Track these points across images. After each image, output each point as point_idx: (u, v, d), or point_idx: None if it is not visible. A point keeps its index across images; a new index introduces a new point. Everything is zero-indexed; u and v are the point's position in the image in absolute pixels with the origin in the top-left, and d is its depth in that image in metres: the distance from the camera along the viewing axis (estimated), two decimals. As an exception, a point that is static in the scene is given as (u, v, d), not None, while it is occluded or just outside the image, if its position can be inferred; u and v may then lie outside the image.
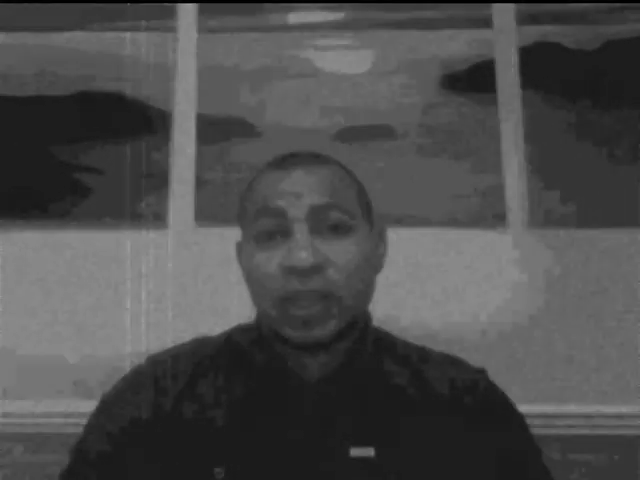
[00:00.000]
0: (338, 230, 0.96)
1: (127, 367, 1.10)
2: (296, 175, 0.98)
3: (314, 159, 1.02)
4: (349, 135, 1.88)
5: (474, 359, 1.11)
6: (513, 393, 1.09)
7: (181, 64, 1.95)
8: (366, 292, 1.01)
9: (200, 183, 1.86)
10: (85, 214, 1.84)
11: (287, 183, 0.97)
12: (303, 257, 0.92)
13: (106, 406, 1.04)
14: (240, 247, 1.05)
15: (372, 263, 1.02)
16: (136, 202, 1.84)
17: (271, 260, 0.95)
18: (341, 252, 0.95)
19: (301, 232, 0.94)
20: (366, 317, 1.07)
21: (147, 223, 1.83)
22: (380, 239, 1.07)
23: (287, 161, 1.01)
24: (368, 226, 1.02)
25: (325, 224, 0.95)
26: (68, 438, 1.04)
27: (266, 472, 0.93)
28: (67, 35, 1.94)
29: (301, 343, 0.95)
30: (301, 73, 1.93)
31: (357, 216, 0.99)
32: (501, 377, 1.10)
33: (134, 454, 0.97)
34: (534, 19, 1.95)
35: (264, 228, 0.97)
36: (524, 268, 1.81)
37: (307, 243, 0.93)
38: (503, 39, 1.95)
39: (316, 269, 0.92)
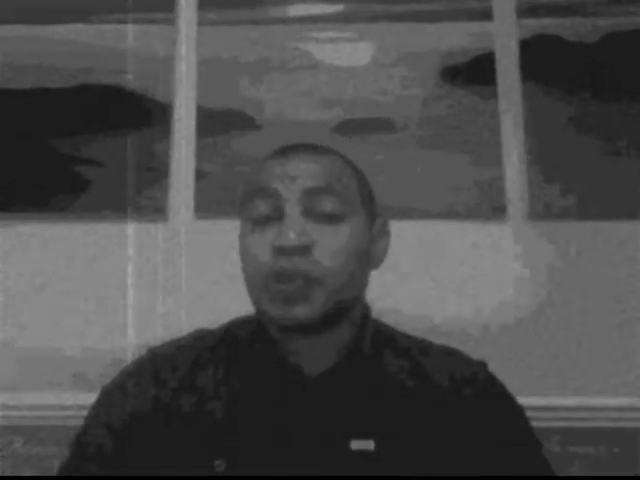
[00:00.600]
0: (331, 216, 0.96)
1: (127, 359, 1.10)
2: (294, 161, 0.99)
3: (314, 149, 1.03)
4: (349, 128, 1.88)
5: (475, 352, 1.11)
6: (513, 386, 1.09)
7: (181, 56, 1.95)
8: (355, 281, 1.00)
9: (200, 175, 1.86)
10: (85, 207, 1.84)
11: (284, 167, 0.98)
12: (290, 237, 0.92)
13: (106, 398, 1.04)
14: None
15: (367, 254, 1.02)
16: (136, 195, 1.84)
17: (263, 241, 0.96)
18: (331, 237, 0.95)
19: (292, 214, 0.95)
20: (365, 309, 1.07)
21: (147, 216, 1.83)
22: (382, 233, 1.07)
23: (287, 149, 1.02)
24: (366, 217, 1.02)
25: (319, 208, 0.96)
26: (68, 431, 1.05)
27: (266, 465, 0.93)
28: (67, 27, 1.94)
29: (285, 324, 0.96)
30: (301, 66, 1.93)
31: (354, 205, 0.99)
32: (501, 370, 1.10)
33: (134, 446, 0.97)
34: (534, 11, 1.95)
35: (259, 209, 0.97)
36: (524, 260, 1.81)
37: (296, 224, 0.94)
38: (503, 31, 1.95)
39: (303, 250, 0.93)
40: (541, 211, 1.83)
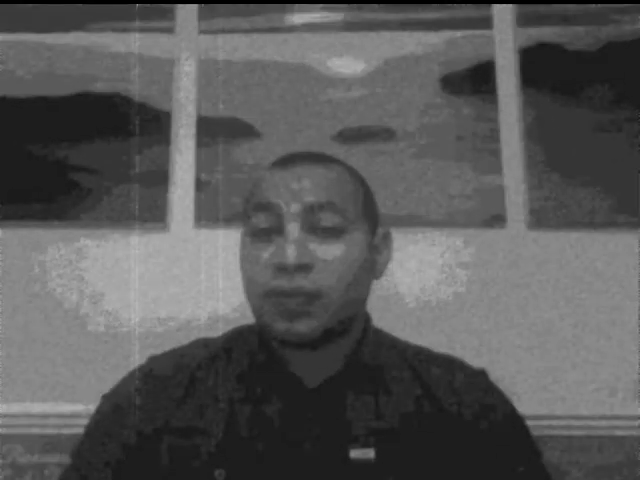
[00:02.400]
0: (332, 231, 0.96)
1: (127, 368, 1.10)
2: (295, 173, 0.98)
3: (317, 159, 1.02)
4: (348, 136, 1.88)
5: (476, 361, 1.11)
6: (513, 394, 1.10)
7: (181, 65, 1.95)
8: (358, 294, 1.00)
9: (200, 184, 1.86)
10: (84, 216, 1.83)
11: (285, 181, 0.97)
12: (290, 255, 0.92)
13: (106, 407, 1.04)
14: None
15: (368, 267, 1.01)
16: (136, 204, 1.84)
17: (262, 255, 0.95)
18: (332, 253, 0.95)
19: (292, 230, 0.94)
20: (366, 319, 1.07)
21: (147, 225, 1.83)
22: (384, 243, 1.06)
23: (290, 160, 1.01)
24: (368, 228, 1.01)
25: (319, 224, 0.95)
26: (68, 439, 1.05)
27: (266, 474, 0.93)
28: (67, 36, 1.94)
29: (286, 340, 0.95)
30: (301, 74, 1.93)
31: (354, 219, 0.98)
32: (502, 378, 1.10)
33: (134, 455, 0.97)
34: (534, 20, 1.95)
35: (259, 223, 0.97)
36: (524, 268, 1.81)
37: (296, 241, 0.93)
38: (503, 40, 1.95)
39: (302, 268, 0.93)
40: (540, 219, 1.83)
